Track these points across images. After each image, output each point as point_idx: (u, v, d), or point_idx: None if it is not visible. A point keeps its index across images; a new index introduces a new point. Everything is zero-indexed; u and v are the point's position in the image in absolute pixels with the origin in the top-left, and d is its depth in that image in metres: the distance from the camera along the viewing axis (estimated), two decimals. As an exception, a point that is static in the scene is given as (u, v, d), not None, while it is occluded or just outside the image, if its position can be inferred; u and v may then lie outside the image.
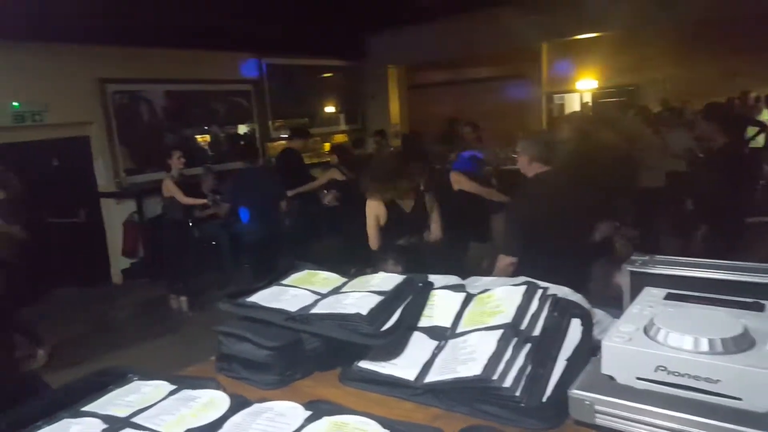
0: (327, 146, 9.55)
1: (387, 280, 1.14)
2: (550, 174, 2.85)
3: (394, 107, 10.44)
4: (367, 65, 10.05)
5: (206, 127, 8.16)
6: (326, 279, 1.21)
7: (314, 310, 1.04)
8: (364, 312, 0.97)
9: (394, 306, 1.02)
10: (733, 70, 8.90)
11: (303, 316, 1.02)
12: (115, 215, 6.96)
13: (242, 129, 8.66)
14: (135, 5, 5.87)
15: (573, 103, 10.54)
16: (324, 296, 1.11)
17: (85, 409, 0.91)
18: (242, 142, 8.27)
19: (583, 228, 2.80)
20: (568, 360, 0.89)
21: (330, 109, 10.00)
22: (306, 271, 1.26)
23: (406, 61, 10.14)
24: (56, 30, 5.78)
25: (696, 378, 0.72)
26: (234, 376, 1.03)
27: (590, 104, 10.13)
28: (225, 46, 7.62)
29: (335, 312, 1.01)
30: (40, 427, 0.86)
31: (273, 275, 1.26)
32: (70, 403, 0.92)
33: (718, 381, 0.71)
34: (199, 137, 8.10)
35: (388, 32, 9.27)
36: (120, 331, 5.31)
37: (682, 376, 0.74)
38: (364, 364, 0.97)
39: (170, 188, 5.33)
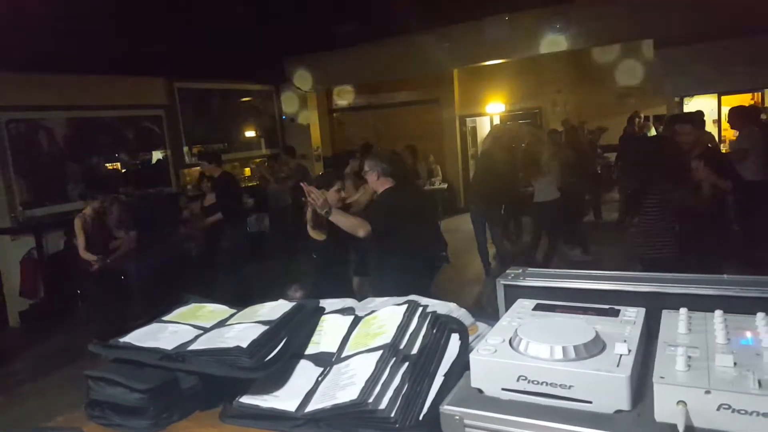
0: (247, 171, 9.39)
1: (276, 308, 1.12)
2: (397, 189, 3.19)
3: (315, 131, 10.46)
4: (286, 89, 10.02)
5: (116, 155, 7.78)
6: (212, 312, 1.17)
7: (192, 347, 0.99)
8: (245, 344, 0.94)
9: (279, 335, 1.00)
10: (625, 92, 9.78)
11: (179, 353, 0.97)
12: (11, 252, 6.40)
13: (156, 156, 8.33)
14: (30, 29, 5.49)
15: (484, 126, 11.06)
16: (206, 331, 1.07)
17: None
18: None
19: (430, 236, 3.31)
20: (446, 375, 0.92)
21: (250, 133, 9.86)
22: (192, 305, 1.21)
23: (324, 86, 10.22)
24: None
25: (552, 385, 0.76)
26: (105, 423, 0.97)
27: (499, 126, 10.66)
28: (132, 71, 7.31)
29: (214, 347, 0.97)
30: None
31: (156, 310, 1.20)
32: None
33: (571, 386, 0.75)
34: (109, 165, 7.69)
35: (307, 57, 9.33)
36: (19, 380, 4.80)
37: (541, 384, 0.77)
38: (246, 399, 0.94)
39: (77, 231, 5.05)
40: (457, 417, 0.79)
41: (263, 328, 1.01)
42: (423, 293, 1.23)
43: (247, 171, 9.18)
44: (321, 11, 7.31)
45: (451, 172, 11.02)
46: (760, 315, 0.82)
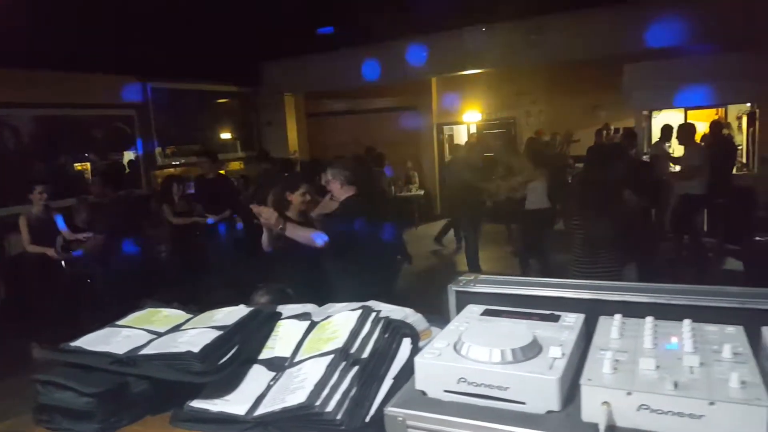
0: (222, 172, 9.32)
1: (231, 314, 1.13)
2: (359, 197, 3.22)
3: (292, 134, 10.44)
4: (263, 92, 10.00)
5: (86, 155, 7.65)
6: (168, 317, 1.18)
7: (144, 351, 1.00)
8: (196, 349, 0.95)
9: (233, 341, 1.02)
10: (595, 105, 10.04)
11: (130, 358, 0.98)
12: (-30, 254, 6.22)
13: (128, 156, 8.22)
14: (-4, 23, 5.35)
15: (461, 134, 11.20)
16: (160, 335, 1.08)
17: None
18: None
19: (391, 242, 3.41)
20: (395, 379, 0.94)
21: (225, 135, 9.80)
22: (147, 310, 1.22)
23: (302, 89, 10.23)
24: None
25: (490, 386, 0.80)
26: (53, 428, 0.97)
27: (475, 135, 10.82)
28: (103, 69, 7.20)
29: (166, 351, 0.98)
30: None
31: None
32: None
33: (507, 388, 0.79)
34: (78, 165, 7.56)
35: (285, 60, 9.33)
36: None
37: (479, 385, 0.81)
38: (196, 403, 0.95)
39: (21, 227, 4.94)
40: (400, 418, 0.82)
41: (217, 333, 1.02)
42: (384, 298, 1.26)
43: (222, 172, 9.11)
44: (300, 15, 7.34)
45: (428, 179, 11.12)
46: (686, 321, 0.87)
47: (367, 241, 3.00)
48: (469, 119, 11.04)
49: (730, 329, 0.86)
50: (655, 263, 4.78)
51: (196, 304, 1.31)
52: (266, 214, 2.90)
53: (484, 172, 6.74)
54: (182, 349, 0.97)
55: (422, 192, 10.67)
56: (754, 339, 0.85)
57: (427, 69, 8.99)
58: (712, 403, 0.67)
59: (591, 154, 4.67)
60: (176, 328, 1.11)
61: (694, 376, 0.72)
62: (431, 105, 10.93)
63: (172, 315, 1.19)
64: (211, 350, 0.97)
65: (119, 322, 1.16)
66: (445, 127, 11.34)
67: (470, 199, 6.63)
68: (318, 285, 3.29)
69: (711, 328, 0.87)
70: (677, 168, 6.82)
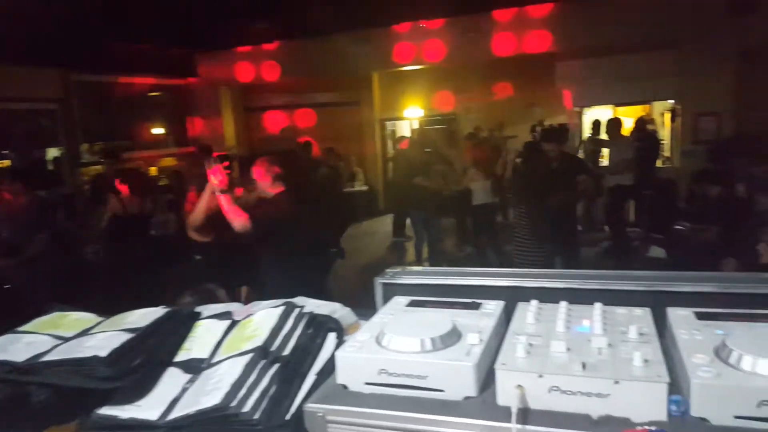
0: (153, 170, 8.90)
1: (146, 315, 1.07)
2: (288, 193, 3.14)
3: (229, 128, 10.13)
4: (198, 85, 9.64)
5: (5, 152, 7.14)
6: (77, 321, 1.10)
7: (47, 357, 0.93)
8: (104, 354, 0.89)
9: (145, 343, 0.96)
10: (531, 101, 10.36)
11: (30, 365, 0.91)
12: None
13: (52, 153, 7.73)
14: None
15: (403, 130, 11.26)
16: (66, 340, 1.00)
17: None
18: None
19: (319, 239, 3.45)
20: (319, 374, 0.92)
21: (158, 130, 9.38)
22: (55, 314, 1.13)
23: (240, 82, 9.94)
24: None
25: (409, 376, 0.79)
26: None
27: (417, 131, 10.90)
28: (22, 60, 6.69)
29: (70, 357, 0.91)
30: None
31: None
32: None
33: (426, 376, 0.79)
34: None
35: (222, 52, 9.04)
36: None
37: (399, 375, 0.80)
38: (105, 410, 0.88)
39: None
40: (320, 413, 0.80)
41: (128, 335, 0.97)
42: (312, 294, 1.23)
43: (154, 170, 8.72)
44: (237, 6, 7.11)
45: (371, 174, 11.11)
46: (597, 305, 0.90)
47: (295, 237, 2.95)
48: (411, 115, 11.12)
49: (638, 311, 0.90)
50: (585, 252, 5.02)
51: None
52: (221, 174, 2.88)
53: (426, 168, 6.80)
54: (88, 353, 0.91)
55: (366, 188, 10.66)
56: (661, 319, 0.90)
57: (368, 64, 8.98)
58: (616, 382, 0.69)
59: (528, 149, 4.84)
60: (84, 333, 1.04)
61: (601, 357, 0.75)
62: (373, 100, 10.91)
63: (82, 318, 1.12)
64: (120, 354, 0.91)
65: (21, 328, 1.08)
66: (387, 123, 11.36)
67: (415, 195, 6.65)
68: (258, 284, 3.21)
69: (621, 311, 0.91)
70: (606, 162, 7.18)
